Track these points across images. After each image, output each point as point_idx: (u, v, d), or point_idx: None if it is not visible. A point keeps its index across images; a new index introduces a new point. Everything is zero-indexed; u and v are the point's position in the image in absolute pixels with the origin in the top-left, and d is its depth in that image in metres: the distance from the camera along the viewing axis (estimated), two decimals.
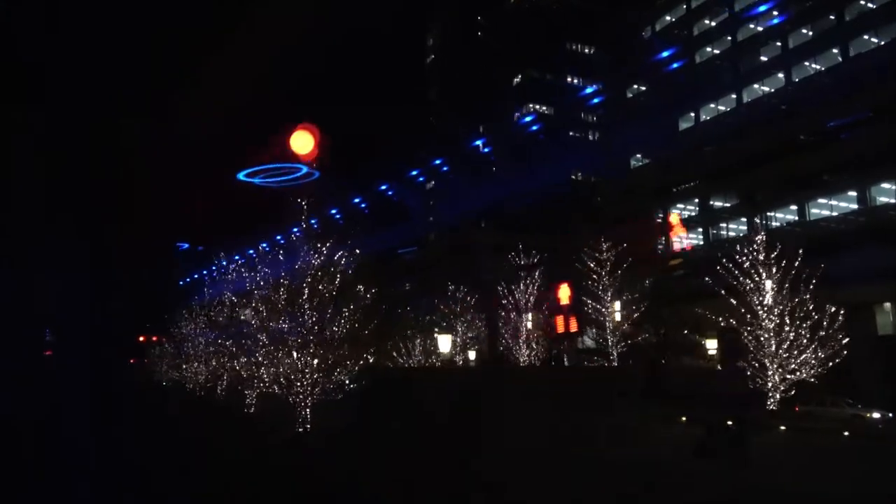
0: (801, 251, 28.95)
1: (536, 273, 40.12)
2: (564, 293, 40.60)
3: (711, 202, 60.42)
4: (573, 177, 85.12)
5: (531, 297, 39.74)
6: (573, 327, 42.57)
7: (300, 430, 22.31)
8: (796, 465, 17.63)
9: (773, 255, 29.37)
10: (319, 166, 22.06)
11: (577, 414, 23.19)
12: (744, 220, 57.06)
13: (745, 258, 29.82)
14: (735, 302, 29.34)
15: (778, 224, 52.47)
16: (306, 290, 22.76)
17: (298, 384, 22.42)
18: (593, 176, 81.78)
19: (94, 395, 26.71)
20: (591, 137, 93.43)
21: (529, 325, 39.50)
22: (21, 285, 46.09)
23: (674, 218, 51.53)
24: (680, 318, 42.57)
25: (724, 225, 59.42)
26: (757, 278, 29.42)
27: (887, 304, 44.90)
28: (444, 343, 29.63)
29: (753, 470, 14.90)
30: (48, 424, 20.19)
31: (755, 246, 30.02)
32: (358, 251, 24.77)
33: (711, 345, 33.06)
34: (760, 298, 29.20)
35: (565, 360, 53.52)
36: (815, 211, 52.16)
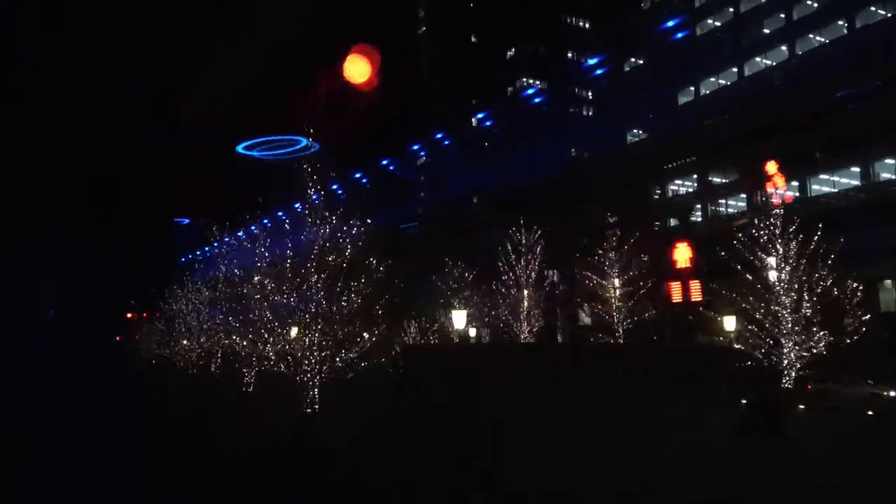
0: (820, 225, 28.27)
1: (538, 249, 39.29)
2: (683, 254, 36.30)
3: (710, 178, 59.56)
4: (563, 153, 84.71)
5: (532, 273, 39.35)
6: (696, 295, 37.02)
7: (308, 410, 21.14)
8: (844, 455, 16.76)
9: (791, 229, 28.37)
10: (379, 92, 21.71)
11: (578, 394, 22.86)
12: (742, 196, 56.41)
13: (762, 232, 28.84)
14: (751, 277, 28.61)
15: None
16: (314, 262, 21.59)
17: (306, 362, 21.32)
18: (587, 153, 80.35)
19: (94, 395, 26.65)
20: (584, 113, 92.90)
21: (526, 302, 39.11)
22: (21, 285, 46.18)
23: (771, 167, 48.83)
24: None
25: (722, 201, 58.87)
26: (775, 253, 28.52)
27: (888, 282, 44.55)
28: (459, 319, 28.29)
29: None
30: (48, 424, 20.16)
31: (772, 220, 29.02)
32: (369, 220, 23.74)
33: (730, 322, 31.03)
34: (777, 273, 28.33)
35: (559, 336, 53.25)
36: (815, 187, 51.42)
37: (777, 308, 28.22)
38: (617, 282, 38.76)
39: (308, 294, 21.49)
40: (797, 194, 50.83)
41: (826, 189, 51.10)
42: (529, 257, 39.41)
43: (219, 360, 40.16)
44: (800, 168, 50.80)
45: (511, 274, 39.49)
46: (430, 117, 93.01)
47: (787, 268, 28.27)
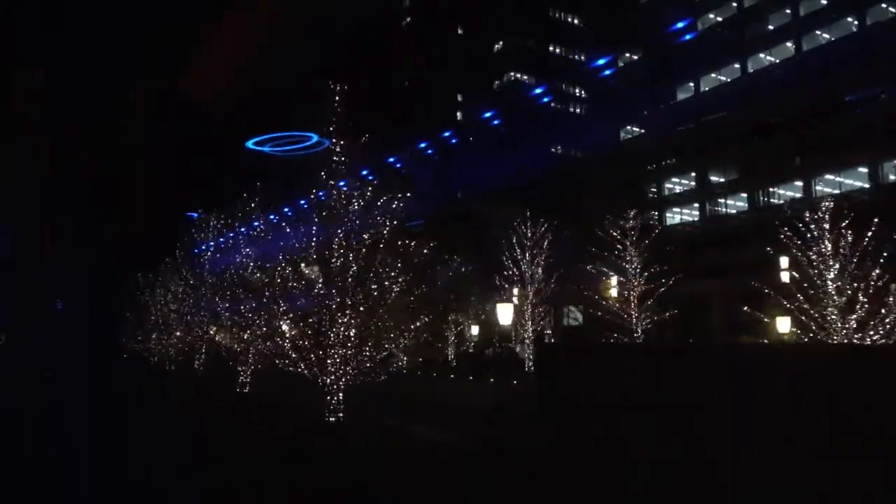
0: (876, 220, 26.71)
1: (544, 244, 37.99)
2: None
3: (710, 177, 59.35)
4: (553, 150, 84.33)
5: (538, 270, 38.12)
6: None
7: (331, 418, 18.54)
8: None
9: (843, 224, 26.43)
10: None
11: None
12: (743, 195, 56.18)
13: (812, 225, 26.84)
14: (797, 275, 27.02)
15: (780, 201, 51.54)
16: (342, 240, 18.72)
17: (329, 361, 18.48)
18: (590, 150, 79.56)
19: (94, 395, 26.69)
20: (574, 110, 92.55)
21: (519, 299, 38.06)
22: (21, 285, 46.25)
23: None
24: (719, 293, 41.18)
25: (721, 201, 58.78)
26: (823, 249, 26.54)
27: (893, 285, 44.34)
28: (505, 313, 25.00)
29: None
30: (48, 424, 20.23)
31: (820, 213, 27.11)
32: (409, 194, 20.76)
33: (783, 324, 27.57)
34: (826, 272, 26.35)
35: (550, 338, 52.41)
36: (818, 188, 50.96)
37: (829, 310, 26.33)
38: (614, 279, 37.69)
39: (335, 280, 18.65)
40: (800, 195, 50.77)
41: (829, 190, 50.58)
42: (535, 252, 38.21)
43: (203, 357, 37.88)
44: (804, 168, 50.63)
45: (515, 269, 38.48)
46: (430, 114, 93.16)
47: (837, 265, 26.42)
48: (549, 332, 53.62)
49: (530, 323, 37.92)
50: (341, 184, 19.67)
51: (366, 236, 19.03)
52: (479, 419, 20.61)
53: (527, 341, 39.26)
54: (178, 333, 41.99)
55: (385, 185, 20.40)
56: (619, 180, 62.30)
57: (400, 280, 19.08)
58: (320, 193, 19.73)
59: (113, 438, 18.22)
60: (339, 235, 18.86)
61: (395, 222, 19.49)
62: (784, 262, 28.11)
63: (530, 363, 38.95)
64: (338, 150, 19.65)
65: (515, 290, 39.89)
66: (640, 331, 36.01)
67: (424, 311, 22.23)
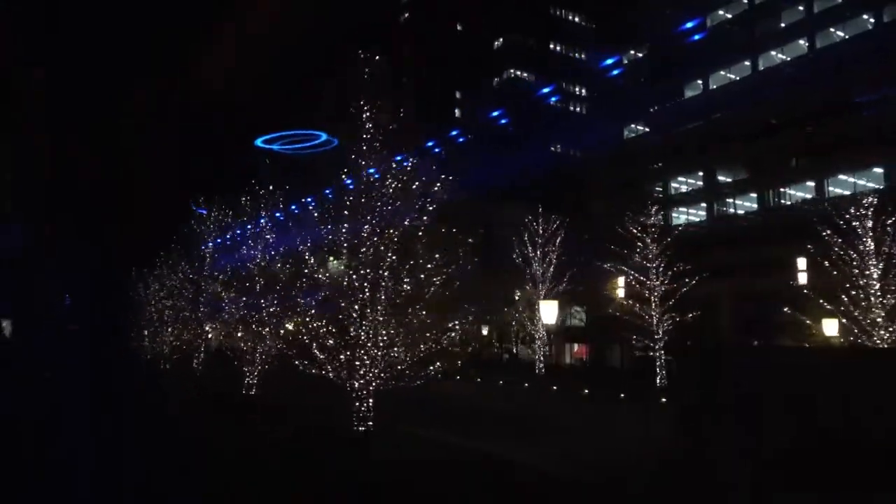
0: None
1: (557, 241, 37.19)
2: None
3: (718, 176, 58.63)
4: (553, 149, 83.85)
5: (550, 268, 37.26)
6: None
7: (360, 427, 16.77)
8: None
9: (889, 221, 25.19)
10: None
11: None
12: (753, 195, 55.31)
13: (856, 222, 25.58)
14: (837, 274, 25.84)
15: (790, 202, 50.95)
16: (377, 225, 16.75)
17: (358, 363, 16.57)
18: (586, 151, 79.30)
19: (94, 395, 26.42)
20: (575, 109, 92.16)
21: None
22: (21, 285, 46.00)
23: None
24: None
25: (730, 201, 58.10)
26: (866, 247, 25.41)
27: None
28: (549, 312, 23.24)
29: None
30: (48, 424, 19.96)
31: (863, 210, 25.78)
32: (452, 177, 18.20)
33: (831, 326, 25.29)
34: (868, 272, 25.18)
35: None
36: (830, 189, 49.92)
37: (875, 313, 25.03)
38: (621, 280, 36.83)
39: (366, 271, 16.68)
40: (812, 195, 49.89)
41: (839, 191, 49.41)
42: (547, 249, 37.33)
43: (201, 356, 36.52)
44: (817, 167, 49.82)
45: (526, 268, 37.76)
46: (429, 113, 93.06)
47: (881, 264, 25.21)
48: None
49: (541, 322, 36.96)
50: (362, 174, 17.80)
51: (407, 222, 17.20)
52: (540, 430, 18.50)
53: (538, 342, 38.77)
54: (169, 329, 41.09)
55: (423, 169, 17.96)
56: (620, 180, 61.71)
57: (438, 274, 17.16)
58: (349, 181, 17.86)
59: (113, 438, 17.92)
60: (372, 222, 17.00)
61: (434, 206, 17.46)
62: (801, 263, 27.29)
63: (541, 365, 38.32)
64: (368, 125, 17.60)
65: (519, 291, 39.27)
66: (660, 332, 34.40)
67: (467, 306, 20.20)
